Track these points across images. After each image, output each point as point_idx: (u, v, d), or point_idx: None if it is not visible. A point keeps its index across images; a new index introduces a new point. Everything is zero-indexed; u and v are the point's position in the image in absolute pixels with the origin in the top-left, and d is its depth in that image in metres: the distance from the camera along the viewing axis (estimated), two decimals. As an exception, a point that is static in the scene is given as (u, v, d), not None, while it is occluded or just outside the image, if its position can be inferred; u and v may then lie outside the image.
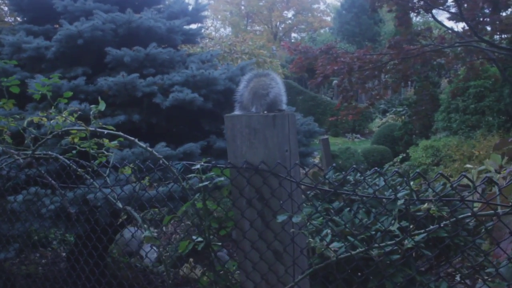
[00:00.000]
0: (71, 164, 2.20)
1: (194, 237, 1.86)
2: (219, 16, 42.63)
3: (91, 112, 2.43)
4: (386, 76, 6.29)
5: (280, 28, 42.43)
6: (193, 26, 4.40)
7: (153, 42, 3.52)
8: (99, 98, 2.45)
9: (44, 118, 2.25)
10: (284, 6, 41.12)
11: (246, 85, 1.84)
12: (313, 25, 39.43)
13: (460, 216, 1.41)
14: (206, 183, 1.72)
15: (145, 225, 1.89)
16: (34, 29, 3.78)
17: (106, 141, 2.28)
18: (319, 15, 41.92)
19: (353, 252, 1.61)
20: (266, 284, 1.76)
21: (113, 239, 4.45)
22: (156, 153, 1.96)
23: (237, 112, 1.83)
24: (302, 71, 6.55)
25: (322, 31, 37.16)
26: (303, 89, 16.80)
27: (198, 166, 1.74)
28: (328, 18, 39.88)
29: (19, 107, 3.30)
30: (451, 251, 2.84)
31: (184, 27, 4.26)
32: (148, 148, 2.00)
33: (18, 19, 4.51)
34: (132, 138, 2.09)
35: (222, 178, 1.72)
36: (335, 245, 1.92)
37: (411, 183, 1.52)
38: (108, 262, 4.40)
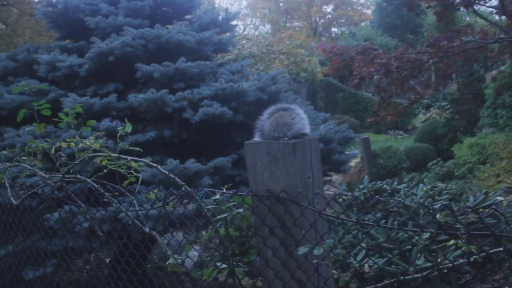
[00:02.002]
0: (98, 188, 2.23)
1: (218, 264, 1.84)
2: (258, 14, 42.61)
3: (118, 135, 2.46)
4: (425, 75, 6.09)
5: (320, 23, 41.99)
6: (225, 34, 4.39)
7: (183, 55, 3.53)
8: (126, 119, 2.47)
9: (72, 143, 2.29)
10: (323, 1, 40.63)
11: (268, 117, 1.80)
12: (353, 19, 38.81)
13: (490, 251, 1.33)
14: (225, 215, 1.69)
15: (169, 252, 1.88)
16: (69, 46, 3.87)
17: (132, 163, 2.29)
18: (359, 8, 41.25)
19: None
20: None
21: (150, 248, 4.51)
22: (178, 180, 1.95)
23: (257, 139, 1.80)
24: (339, 73, 6.45)
25: (362, 24, 36.50)
26: (343, 86, 16.56)
27: (217, 196, 1.72)
28: (369, 11, 39.14)
29: (54, 125, 3.38)
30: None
31: (216, 36, 4.26)
32: (171, 175, 1.99)
33: (56, 34, 4.62)
34: (155, 165, 2.10)
35: (241, 210, 1.68)
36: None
37: (437, 215, 1.44)
38: (147, 268, 4.47)
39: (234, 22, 4.32)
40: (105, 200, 2.27)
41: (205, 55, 3.87)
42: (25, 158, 2.71)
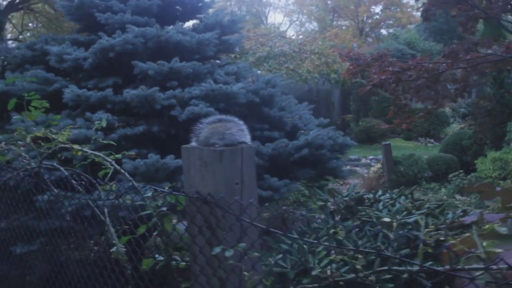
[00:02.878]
0: (68, 176, 2.43)
1: (157, 256, 2.00)
2: (305, 11, 42.46)
3: (93, 129, 2.65)
4: (441, 85, 6.03)
5: (367, 23, 41.42)
6: (232, 36, 4.53)
7: (182, 54, 3.70)
8: (106, 115, 2.67)
9: (49, 134, 2.49)
10: (372, 1, 40.03)
11: (206, 126, 1.94)
12: (401, 21, 38.10)
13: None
14: (148, 212, 1.84)
15: (114, 241, 2.05)
16: (80, 40, 4.11)
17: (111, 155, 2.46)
18: (408, 10, 40.42)
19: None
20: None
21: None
22: (128, 176, 2.11)
23: (193, 144, 1.94)
24: (355, 78, 6.47)
25: (411, 26, 35.77)
26: (377, 90, 16.36)
27: (149, 193, 1.88)
28: (418, 14, 38.27)
29: (56, 113, 3.62)
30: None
31: (222, 37, 4.41)
32: (122, 170, 2.15)
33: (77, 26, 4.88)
34: (118, 168, 2.25)
35: (164, 209, 1.83)
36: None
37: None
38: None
39: (241, 25, 4.45)
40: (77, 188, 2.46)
41: (206, 55, 4.03)
42: (20, 143, 2.95)
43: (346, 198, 3.82)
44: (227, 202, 1.74)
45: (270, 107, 3.83)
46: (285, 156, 3.62)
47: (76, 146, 2.33)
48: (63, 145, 2.37)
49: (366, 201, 3.83)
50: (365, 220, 3.51)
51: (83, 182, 2.46)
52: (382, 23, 40.77)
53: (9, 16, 20.60)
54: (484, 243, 1.31)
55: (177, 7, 4.50)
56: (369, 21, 41.02)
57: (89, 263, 3.20)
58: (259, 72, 4.45)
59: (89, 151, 2.31)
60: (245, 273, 1.69)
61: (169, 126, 3.46)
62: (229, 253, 1.66)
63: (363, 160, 12.61)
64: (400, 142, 14.50)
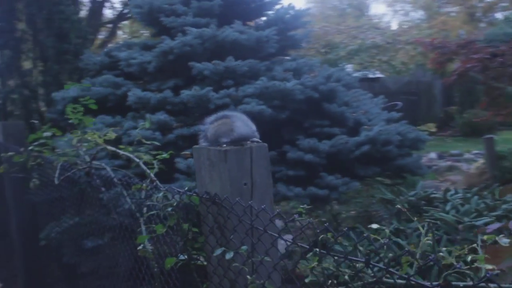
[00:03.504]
0: (112, 177, 2.54)
1: (180, 255, 2.02)
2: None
3: (138, 129, 2.75)
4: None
5: (479, 7, 38.57)
6: (296, 31, 4.46)
7: (240, 53, 3.72)
8: (147, 116, 2.76)
9: (95, 136, 2.63)
10: (484, -17, 37.15)
11: (211, 123, 1.93)
12: (518, 2, 34.91)
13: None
14: (155, 212, 1.86)
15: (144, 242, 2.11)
16: (149, 44, 4.29)
17: (142, 155, 2.56)
18: (526, -10, 36.94)
19: None
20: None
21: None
22: (152, 175, 2.16)
23: (202, 143, 1.93)
24: (442, 68, 6.03)
25: (530, 8, 32.56)
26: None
27: (160, 194, 1.90)
28: (538, -7, 34.84)
29: (122, 115, 3.82)
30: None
31: (288, 33, 4.36)
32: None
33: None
34: (144, 167, 2.32)
35: (169, 209, 1.84)
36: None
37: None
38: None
39: (305, 19, 4.36)
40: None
41: (267, 52, 4.00)
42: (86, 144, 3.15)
43: (413, 198, 3.60)
44: (231, 202, 1.71)
45: (331, 103, 3.71)
46: (345, 153, 3.49)
47: (109, 147, 2.43)
48: (101, 146, 2.49)
49: (435, 201, 3.58)
50: (430, 222, 3.28)
51: (124, 182, 2.58)
52: (496, 6, 37.71)
53: (119, 25, 22.23)
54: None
55: (241, 6, 4.51)
56: (481, 4, 38.17)
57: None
58: (325, 66, 4.31)
59: (121, 152, 2.40)
60: (248, 276, 1.65)
61: (223, 126, 3.48)
62: (229, 256, 1.63)
63: (466, 155, 11.75)
64: (510, 135, 13.31)
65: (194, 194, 1.87)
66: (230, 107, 3.41)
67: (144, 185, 2.26)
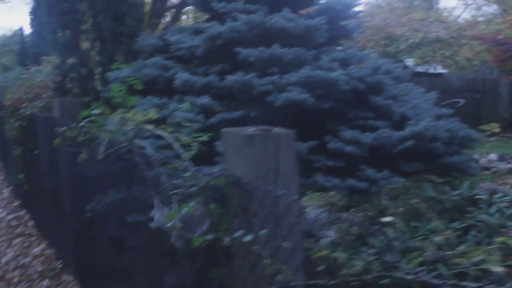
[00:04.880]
0: (148, 155, 2.63)
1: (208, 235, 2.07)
2: (483, -8, 38.69)
3: (179, 111, 2.82)
4: None
5: (558, 4, 36.17)
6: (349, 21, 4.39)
7: (289, 41, 3.71)
8: (187, 98, 2.83)
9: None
10: None
11: None
12: None
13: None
14: (179, 190, 1.91)
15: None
16: (199, 28, 4.36)
17: (181, 136, 2.62)
18: None
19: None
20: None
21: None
22: (183, 156, 2.21)
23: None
24: (504, 65, 5.72)
25: None
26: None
27: (188, 174, 1.95)
28: None
29: (169, 97, 3.92)
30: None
31: (340, 23, 4.31)
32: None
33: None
34: (176, 148, 2.37)
35: (194, 188, 1.89)
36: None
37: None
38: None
39: (356, 9, 4.28)
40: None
41: (316, 41, 3.97)
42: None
43: (456, 197, 3.49)
44: (253, 186, 1.74)
45: (377, 95, 3.64)
46: (388, 147, 3.43)
47: (147, 126, 2.51)
48: (142, 125, 2.57)
49: (480, 202, 3.45)
50: (472, 223, 3.18)
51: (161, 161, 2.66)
52: None
53: (184, 10, 22.65)
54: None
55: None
56: (561, 1, 35.68)
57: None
58: (376, 58, 4.23)
59: (158, 131, 2.47)
60: (265, 260, 1.67)
61: (266, 112, 3.51)
62: (248, 238, 1.66)
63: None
64: None
65: (221, 177, 1.91)
66: (273, 94, 3.42)
67: (175, 165, 2.33)
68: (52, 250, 5.49)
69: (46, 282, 4.74)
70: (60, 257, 5.26)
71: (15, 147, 6.49)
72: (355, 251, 2.19)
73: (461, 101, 11.64)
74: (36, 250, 5.59)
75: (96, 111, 3.50)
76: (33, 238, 6.00)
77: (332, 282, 1.48)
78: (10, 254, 5.61)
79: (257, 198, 1.72)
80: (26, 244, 5.83)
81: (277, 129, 1.88)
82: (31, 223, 6.50)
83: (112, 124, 3.71)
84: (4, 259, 5.45)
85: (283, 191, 1.72)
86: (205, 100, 3.47)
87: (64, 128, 4.01)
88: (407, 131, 3.41)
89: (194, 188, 1.89)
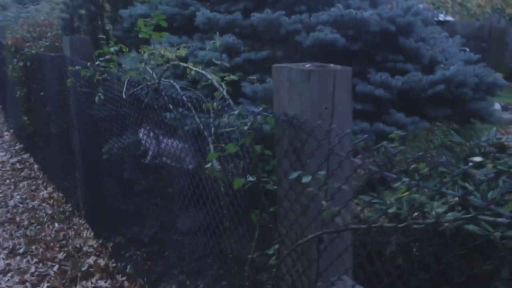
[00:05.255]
0: (181, 94, 2.49)
1: (249, 176, 1.97)
2: None
3: (207, 49, 2.67)
4: None
5: None
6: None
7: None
8: (217, 34, 2.67)
9: (167, 52, 2.56)
10: None
11: None
12: None
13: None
14: (230, 129, 1.80)
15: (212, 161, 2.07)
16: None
17: (213, 75, 2.49)
18: None
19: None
20: (292, 232, 1.80)
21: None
22: (226, 96, 2.09)
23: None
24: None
25: None
26: None
27: (235, 112, 1.83)
28: None
29: (188, 36, 3.74)
30: None
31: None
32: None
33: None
34: (218, 85, 2.24)
35: (245, 127, 1.77)
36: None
37: None
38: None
39: None
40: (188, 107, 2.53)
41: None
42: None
43: (484, 143, 3.41)
44: (311, 125, 1.62)
45: (407, 37, 3.48)
46: (417, 91, 3.30)
47: (183, 63, 2.37)
48: (173, 62, 2.42)
49: (510, 149, 3.37)
50: (501, 170, 3.11)
51: (193, 101, 2.53)
52: None
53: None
54: None
55: None
56: None
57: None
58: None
59: (194, 68, 2.34)
60: (324, 202, 1.58)
61: (293, 52, 3.35)
62: (306, 179, 1.56)
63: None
64: None
65: (270, 115, 1.80)
66: (301, 33, 3.25)
67: (215, 104, 2.20)
68: (60, 194, 5.42)
69: (56, 225, 4.69)
70: (69, 200, 5.20)
71: (18, 88, 6.30)
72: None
73: (465, 50, 11.43)
74: (44, 193, 5.54)
75: (114, 49, 3.34)
76: (39, 181, 5.93)
77: (401, 225, 1.40)
78: (17, 197, 5.55)
79: (315, 137, 1.62)
80: (33, 187, 5.77)
81: (333, 66, 1.75)
82: (36, 166, 6.41)
83: (131, 63, 3.56)
84: (11, 202, 5.40)
85: (345, 131, 1.62)
86: (229, 39, 3.30)
87: (78, 67, 3.85)
88: (438, 75, 3.28)
89: (245, 127, 1.77)
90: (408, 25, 3.48)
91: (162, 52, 2.52)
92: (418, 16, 3.65)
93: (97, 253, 4.04)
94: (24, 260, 4.11)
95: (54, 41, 5.68)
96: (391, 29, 3.40)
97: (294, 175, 1.61)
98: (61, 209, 4.98)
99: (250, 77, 3.16)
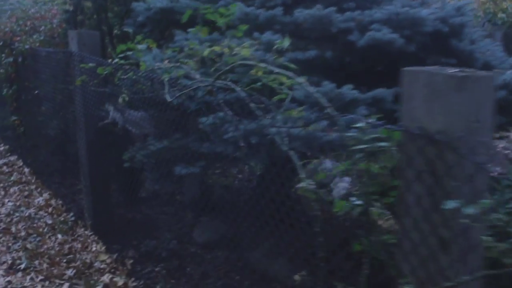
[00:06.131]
0: (245, 98, 2.17)
1: (353, 199, 1.67)
2: None
3: (274, 48, 2.37)
4: None
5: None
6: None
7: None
8: (276, 37, 2.37)
9: (225, 49, 2.24)
10: None
11: None
12: None
13: None
14: (364, 146, 1.50)
15: (303, 175, 1.77)
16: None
17: (284, 78, 2.19)
18: None
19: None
20: (424, 271, 1.51)
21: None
22: (323, 100, 1.79)
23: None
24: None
25: None
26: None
27: (361, 124, 1.52)
28: None
29: (220, 33, 3.41)
30: None
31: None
32: (316, 94, 1.84)
33: None
34: (302, 80, 1.95)
35: (385, 144, 1.47)
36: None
37: None
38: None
39: None
40: (255, 112, 2.22)
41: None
42: (186, 60, 2.79)
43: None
44: (467, 143, 1.34)
45: (459, 40, 3.25)
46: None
47: (261, 64, 2.05)
48: (244, 61, 2.10)
49: None
50: None
51: (259, 106, 2.22)
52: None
53: None
54: None
55: None
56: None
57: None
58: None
59: (277, 69, 2.02)
60: (486, 237, 1.31)
61: (343, 53, 3.07)
62: (469, 211, 1.28)
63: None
64: None
65: (400, 129, 1.50)
66: (354, 32, 2.97)
67: (301, 111, 1.90)
68: (58, 201, 5.00)
69: (59, 236, 4.29)
70: (70, 208, 4.80)
71: (6, 86, 5.82)
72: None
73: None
74: (39, 200, 5.11)
75: (142, 46, 2.99)
76: (32, 187, 5.48)
77: None
78: (9, 204, 5.10)
79: (471, 158, 1.33)
80: (25, 193, 5.33)
81: (478, 72, 1.47)
82: (27, 170, 5.94)
83: (151, 61, 3.23)
84: (3, 210, 4.95)
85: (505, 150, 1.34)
86: (273, 37, 2.99)
87: (91, 64, 3.48)
88: (499, 80, 3.05)
89: (382, 144, 1.47)
90: (460, 26, 3.24)
91: (222, 49, 2.20)
92: (468, 16, 3.43)
93: (112, 270, 3.66)
94: (28, 277, 3.70)
95: (50, 36, 5.25)
96: (443, 30, 3.16)
97: (451, 204, 1.31)
98: (62, 219, 4.56)
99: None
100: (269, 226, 2.80)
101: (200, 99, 2.51)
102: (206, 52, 2.30)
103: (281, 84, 2.27)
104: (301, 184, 1.74)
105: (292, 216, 2.56)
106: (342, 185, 5.93)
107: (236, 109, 2.33)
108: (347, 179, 5.86)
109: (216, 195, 4.66)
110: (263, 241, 3.77)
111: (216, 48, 2.26)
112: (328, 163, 2.22)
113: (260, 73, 2.16)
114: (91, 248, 4.00)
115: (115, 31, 4.93)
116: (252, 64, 2.12)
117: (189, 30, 3.23)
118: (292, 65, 2.31)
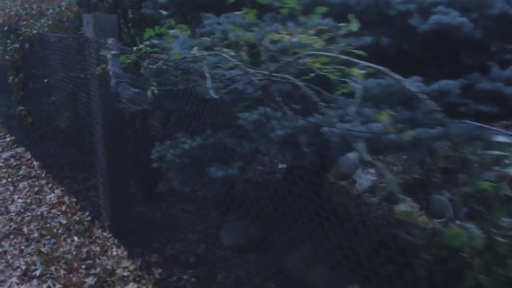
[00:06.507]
0: (311, 95, 1.83)
1: (469, 225, 1.34)
2: None
3: (338, 32, 2.03)
4: None
5: None
6: None
7: None
8: (350, 15, 2.02)
9: (285, 36, 1.89)
10: None
11: None
12: None
13: None
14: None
15: (401, 196, 1.44)
16: None
17: (352, 70, 1.86)
18: None
19: None
20: None
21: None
22: (423, 96, 1.45)
23: None
24: None
25: None
26: None
27: (504, 138, 1.19)
28: None
29: (257, 17, 3.05)
30: None
31: None
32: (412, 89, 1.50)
33: None
34: (384, 69, 1.62)
35: None
36: None
37: None
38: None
39: None
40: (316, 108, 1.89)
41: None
42: (225, 49, 2.45)
43: None
44: None
45: (527, 23, 2.90)
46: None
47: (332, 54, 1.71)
48: (314, 52, 1.76)
49: None
50: None
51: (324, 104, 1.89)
52: None
53: None
54: None
55: None
56: None
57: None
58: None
59: (354, 59, 1.68)
60: None
61: (401, 39, 2.71)
62: None
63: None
64: None
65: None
66: (414, 16, 2.62)
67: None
68: (72, 198, 4.68)
69: (76, 238, 3.97)
70: (85, 207, 4.48)
71: (12, 73, 5.45)
72: None
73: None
74: (51, 197, 4.78)
75: (174, 32, 2.64)
76: (42, 182, 5.16)
77: None
78: (19, 200, 4.78)
79: None
80: (36, 189, 5.00)
81: None
82: (35, 163, 5.61)
83: (180, 48, 2.89)
84: (13, 207, 4.62)
85: None
86: (323, 21, 2.63)
87: (113, 52, 3.13)
88: None
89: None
90: (529, 8, 2.88)
91: (283, 37, 1.84)
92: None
93: (137, 279, 3.35)
94: (45, 286, 3.39)
95: (58, 20, 4.87)
96: (510, 12, 2.81)
97: None
98: (77, 218, 4.24)
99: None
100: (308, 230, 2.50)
101: (249, 95, 2.16)
102: (265, 40, 1.95)
103: (344, 76, 1.94)
104: (402, 207, 1.41)
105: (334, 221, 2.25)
106: (366, 176, 5.57)
107: (296, 106, 1.99)
108: (371, 170, 5.50)
109: (246, 193, 4.34)
110: (299, 245, 3.47)
111: (275, 36, 1.91)
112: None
113: (317, 64, 1.82)
114: (111, 253, 3.68)
115: (129, 15, 4.57)
116: (326, 54, 1.76)
117: (234, 13, 2.90)
118: (362, 52, 1.97)
